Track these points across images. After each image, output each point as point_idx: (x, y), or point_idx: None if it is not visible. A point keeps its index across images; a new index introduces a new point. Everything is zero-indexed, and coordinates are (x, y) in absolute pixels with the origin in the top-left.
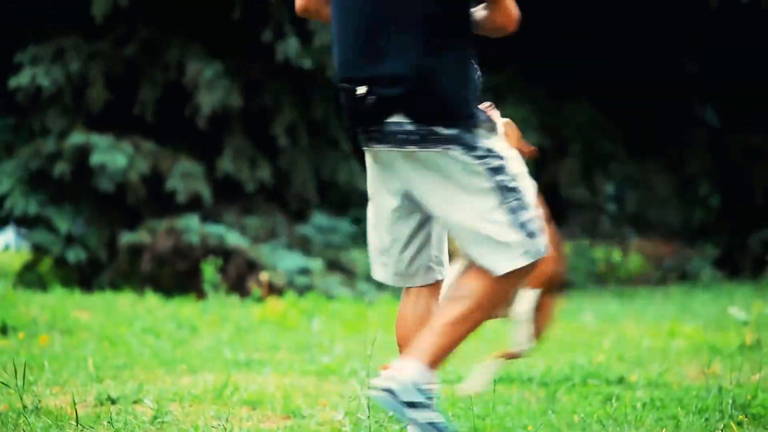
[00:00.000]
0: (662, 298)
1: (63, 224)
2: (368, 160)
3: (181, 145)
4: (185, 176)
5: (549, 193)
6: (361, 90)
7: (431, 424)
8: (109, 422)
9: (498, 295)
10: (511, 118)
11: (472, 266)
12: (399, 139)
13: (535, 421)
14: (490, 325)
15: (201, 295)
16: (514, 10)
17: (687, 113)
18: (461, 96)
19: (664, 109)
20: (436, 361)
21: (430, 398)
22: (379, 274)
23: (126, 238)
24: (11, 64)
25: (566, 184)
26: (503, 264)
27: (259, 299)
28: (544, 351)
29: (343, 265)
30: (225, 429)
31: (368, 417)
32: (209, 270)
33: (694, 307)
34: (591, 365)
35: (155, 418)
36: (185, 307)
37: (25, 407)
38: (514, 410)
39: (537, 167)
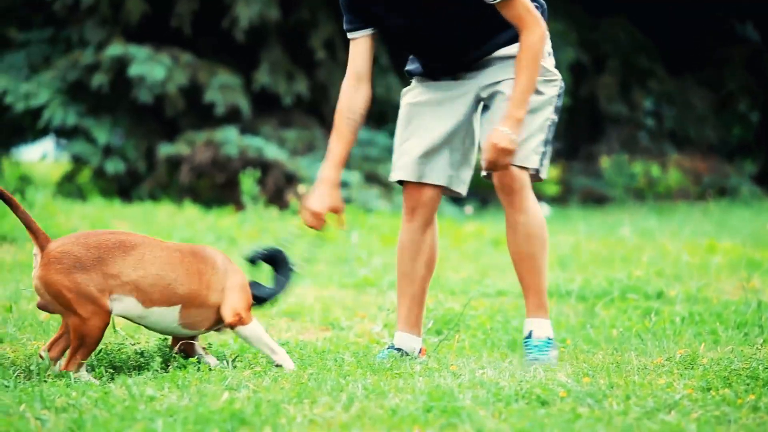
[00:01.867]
0: (701, 213)
1: (101, 135)
2: None
3: (218, 58)
4: (223, 88)
5: (587, 108)
6: None
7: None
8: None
9: None
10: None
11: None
12: None
13: (573, 335)
14: None
15: (239, 207)
16: None
17: (726, 30)
18: None
19: (702, 26)
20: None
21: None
22: None
23: (164, 149)
24: None
25: (604, 100)
26: None
27: (298, 212)
28: (582, 265)
29: (381, 178)
30: None
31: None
32: (248, 182)
33: (732, 223)
34: (629, 280)
35: None
36: (224, 219)
37: None
38: (553, 324)
39: (575, 82)
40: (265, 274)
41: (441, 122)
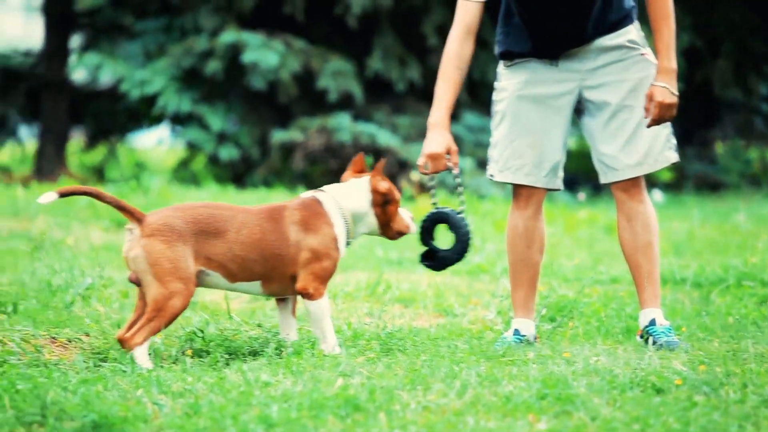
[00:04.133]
0: None
1: (215, 122)
2: None
3: (331, 44)
4: (336, 75)
5: (702, 94)
6: None
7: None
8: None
9: None
10: None
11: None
12: None
13: (689, 323)
14: None
15: None
16: None
17: None
18: None
19: None
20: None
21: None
22: None
23: (278, 136)
24: None
25: (719, 85)
26: None
27: (411, 198)
28: (696, 252)
29: None
30: (378, 326)
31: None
32: None
33: None
34: (745, 266)
35: None
36: None
37: None
38: (668, 311)
39: (689, 67)
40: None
41: (549, 125)
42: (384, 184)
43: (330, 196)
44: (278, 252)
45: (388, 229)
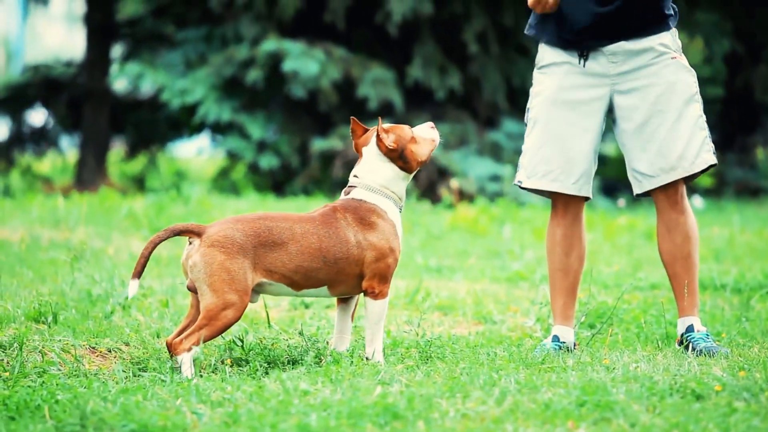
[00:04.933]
0: None
1: (255, 130)
2: None
3: (371, 52)
4: (376, 83)
5: (743, 99)
6: None
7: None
8: (300, 328)
9: None
10: (703, 25)
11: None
12: None
13: (728, 329)
14: None
15: None
16: None
17: None
18: None
19: None
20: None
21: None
22: None
23: (318, 144)
24: None
25: (760, 90)
26: None
27: (450, 206)
28: (737, 257)
29: None
30: (417, 334)
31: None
32: None
33: None
34: None
35: None
36: None
37: None
38: (707, 317)
39: (730, 73)
40: None
41: (580, 131)
42: (389, 139)
43: (363, 185)
44: (341, 256)
45: (422, 163)
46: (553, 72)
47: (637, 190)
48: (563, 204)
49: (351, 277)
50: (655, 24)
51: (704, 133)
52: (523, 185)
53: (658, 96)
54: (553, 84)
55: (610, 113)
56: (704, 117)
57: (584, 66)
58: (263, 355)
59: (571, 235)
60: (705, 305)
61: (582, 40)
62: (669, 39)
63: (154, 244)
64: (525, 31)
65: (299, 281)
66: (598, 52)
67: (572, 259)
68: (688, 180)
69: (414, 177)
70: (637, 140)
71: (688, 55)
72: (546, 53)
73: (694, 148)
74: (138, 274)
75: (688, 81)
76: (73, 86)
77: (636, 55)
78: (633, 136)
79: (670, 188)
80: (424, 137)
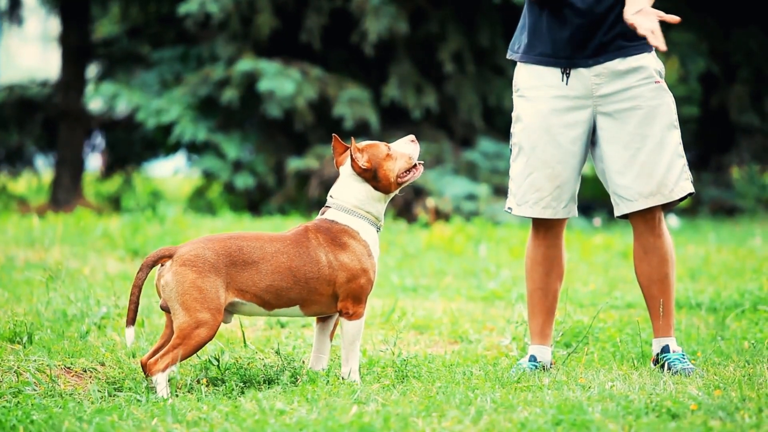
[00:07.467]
0: None
1: (231, 150)
2: None
3: (347, 72)
4: (352, 102)
5: (718, 119)
6: None
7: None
8: (277, 348)
9: None
10: (679, 45)
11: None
12: None
13: (704, 347)
14: None
15: None
16: None
17: None
18: None
19: None
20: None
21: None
22: None
23: (294, 163)
24: None
25: (735, 110)
26: None
27: (426, 225)
28: (712, 276)
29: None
30: (393, 353)
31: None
32: None
33: None
34: (761, 291)
35: None
36: None
37: None
38: (683, 336)
39: (706, 92)
40: None
41: (567, 155)
42: (362, 159)
43: (337, 205)
44: (312, 276)
45: (396, 184)
46: (534, 96)
47: (617, 212)
48: (545, 228)
49: (324, 297)
50: (636, 46)
51: (683, 161)
52: (513, 212)
53: (640, 120)
54: (535, 109)
55: (591, 134)
56: (682, 144)
57: (567, 84)
58: (239, 375)
59: (553, 255)
60: (680, 324)
61: (567, 57)
62: (652, 60)
63: (138, 288)
64: (507, 56)
65: (271, 300)
66: (581, 71)
67: (552, 278)
68: (666, 207)
69: None
70: (617, 163)
71: (664, 74)
72: (525, 76)
73: (673, 175)
74: (132, 321)
75: (671, 106)
76: (48, 106)
77: (619, 77)
78: (613, 158)
79: (647, 213)
80: (401, 152)
